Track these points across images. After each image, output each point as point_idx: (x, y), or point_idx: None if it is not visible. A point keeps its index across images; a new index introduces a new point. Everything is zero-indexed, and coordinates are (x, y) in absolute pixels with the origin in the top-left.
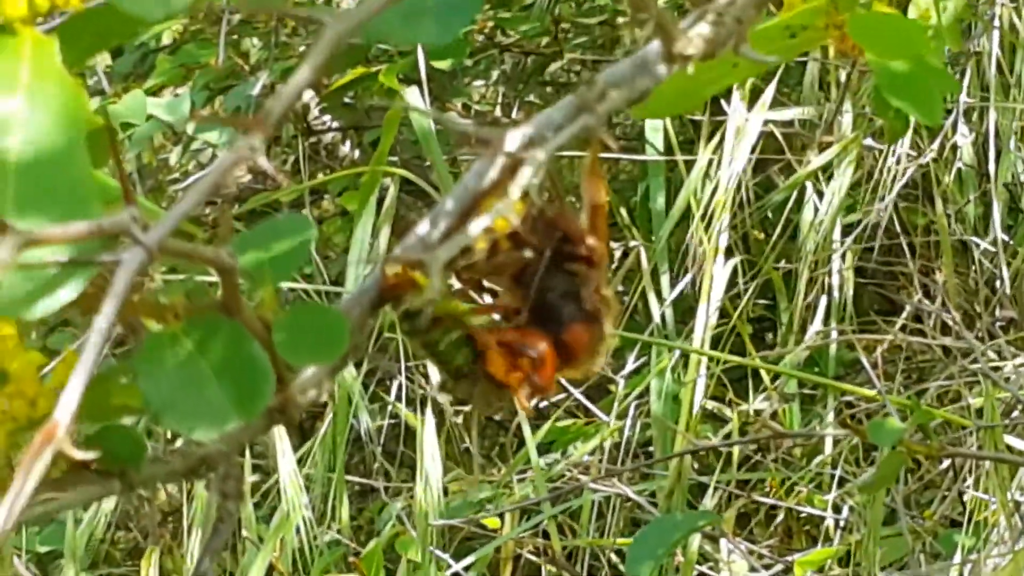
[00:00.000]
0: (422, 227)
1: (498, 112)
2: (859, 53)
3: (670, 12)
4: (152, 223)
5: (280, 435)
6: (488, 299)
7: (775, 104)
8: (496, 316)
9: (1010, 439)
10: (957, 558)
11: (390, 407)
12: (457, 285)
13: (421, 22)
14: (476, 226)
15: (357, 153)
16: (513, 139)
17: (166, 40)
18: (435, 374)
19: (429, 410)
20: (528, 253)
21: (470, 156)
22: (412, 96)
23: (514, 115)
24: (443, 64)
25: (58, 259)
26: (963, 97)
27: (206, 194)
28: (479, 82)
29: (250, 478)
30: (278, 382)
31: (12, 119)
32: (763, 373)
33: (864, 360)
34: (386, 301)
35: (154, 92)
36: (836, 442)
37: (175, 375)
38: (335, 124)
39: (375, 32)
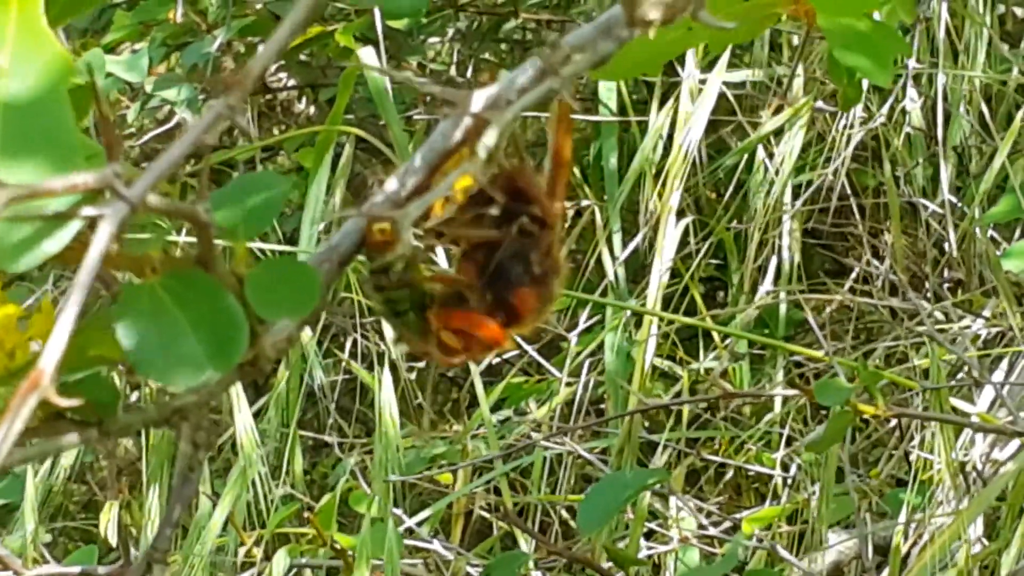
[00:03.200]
0: (390, 184)
1: (453, 71)
2: (811, 19)
3: None
4: (133, 178)
5: (236, 390)
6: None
7: (727, 66)
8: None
9: (955, 400)
10: (902, 517)
11: (343, 363)
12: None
13: None
14: (443, 184)
15: (312, 110)
16: (478, 100)
17: None
18: (389, 330)
19: (387, 368)
20: (486, 211)
21: (425, 116)
22: (368, 55)
23: (469, 73)
24: (399, 23)
25: (43, 212)
26: (912, 62)
27: (185, 152)
28: (434, 39)
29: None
30: (251, 335)
31: None
32: (714, 333)
33: (812, 321)
34: (369, 256)
35: (111, 48)
36: (785, 401)
37: (152, 327)
38: (291, 82)
39: None
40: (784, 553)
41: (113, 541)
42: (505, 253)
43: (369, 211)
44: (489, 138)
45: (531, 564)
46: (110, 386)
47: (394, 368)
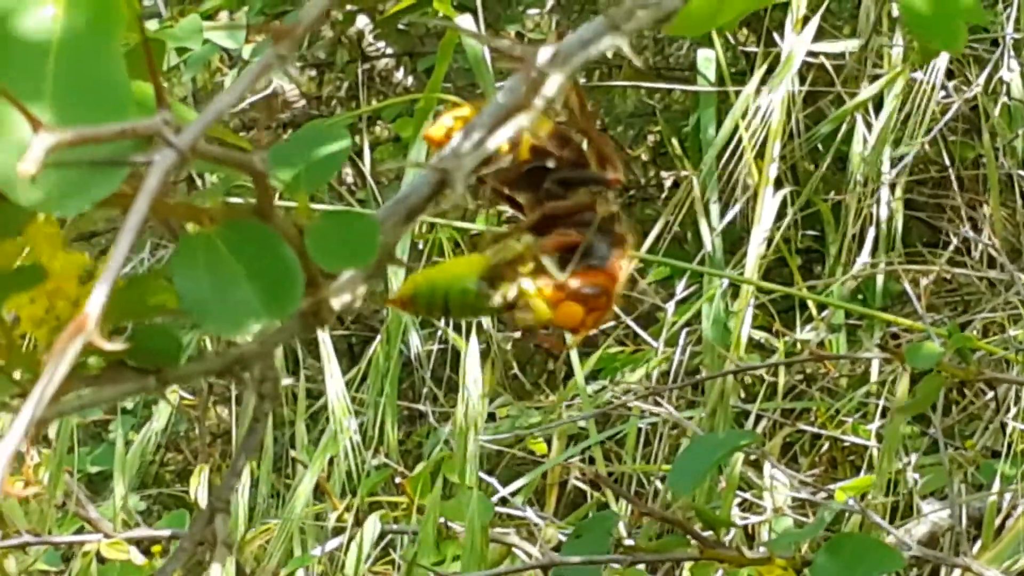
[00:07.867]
0: (456, 139)
1: None
2: None
3: None
4: (184, 126)
5: (329, 357)
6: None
7: (828, 36)
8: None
9: None
10: (996, 487)
11: (439, 332)
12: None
13: None
14: (498, 137)
15: (410, 79)
16: (543, 55)
17: None
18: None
19: (474, 334)
20: (550, 167)
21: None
22: (466, 23)
23: None
24: None
25: (92, 159)
26: (1011, 31)
27: (234, 100)
28: (533, 11)
29: (305, 402)
30: (313, 286)
31: (52, 23)
32: (810, 304)
33: (909, 290)
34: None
35: (210, 15)
36: (881, 372)
37: (208, 276)
38: (389, 50)
39: None
40: (877, 519)
41: (204, 505)
42: (585, 222)
43: (428, 163)
44: (547, 91)
45: (623, 530)
46: (171, 335)
47: (487, 339)
